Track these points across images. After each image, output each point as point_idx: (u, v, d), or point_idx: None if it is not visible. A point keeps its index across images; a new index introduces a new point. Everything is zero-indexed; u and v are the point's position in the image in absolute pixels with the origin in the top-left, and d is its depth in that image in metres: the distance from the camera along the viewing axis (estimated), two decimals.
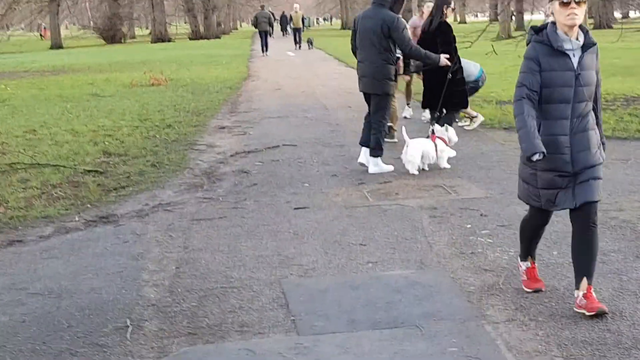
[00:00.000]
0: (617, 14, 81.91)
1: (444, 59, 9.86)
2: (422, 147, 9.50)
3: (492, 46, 14.88)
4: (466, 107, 11.51)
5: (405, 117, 14.17)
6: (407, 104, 14.62)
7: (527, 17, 58.27)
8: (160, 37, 64.06)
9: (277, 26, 62.75)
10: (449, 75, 10.18)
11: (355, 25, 10.03)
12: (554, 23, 4.93)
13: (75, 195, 8.96)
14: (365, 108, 10.09)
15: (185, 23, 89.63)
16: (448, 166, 9.68)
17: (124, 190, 9.19)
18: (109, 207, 8.39)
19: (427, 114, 14.29)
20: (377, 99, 9.76)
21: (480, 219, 7.32)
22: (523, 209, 7.48)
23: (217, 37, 69.03)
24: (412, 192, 8.58)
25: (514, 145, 11.00)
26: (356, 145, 11.40)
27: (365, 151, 9.87)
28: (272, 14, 45.94)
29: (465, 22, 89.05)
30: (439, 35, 10.46)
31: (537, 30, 5.01)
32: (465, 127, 12.78)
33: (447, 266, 6.06)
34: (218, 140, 12.59)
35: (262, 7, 45.11)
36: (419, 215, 7.56)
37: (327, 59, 33.89)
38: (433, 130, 9.87)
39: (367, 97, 9.97)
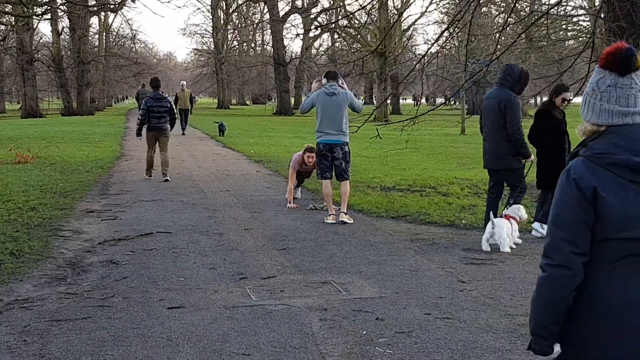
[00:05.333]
0: None
1: (531, 157, 10.33)
2: (507, 226, 9.65)
3: (377, 130, 14.43)
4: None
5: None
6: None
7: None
8: (31, 113, 62.15)
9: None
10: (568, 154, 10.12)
11: (481, 105, 10.76)
12: None
13: None
14: None
15: (57, 98, 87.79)
16: (509, 250, 9.60)
17: None
18: None
19: (298, 193, 13.87)
20: (503, 174, 10.41)
21: (376, 323, 6.60)
22: (422, 313, 6.91)
23: (91, 113, 67.54)
24: (299, 289, 7.82)
25: (403, 237, 10.51)
26: (235, 233, 10.74)
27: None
28: None
29: None
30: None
31: None
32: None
33: None
34: (86, 226, 11.57)
35: (143, 85, 50.19)
36: (308, 317, 6.80)
37: (204, 138, 33.06)
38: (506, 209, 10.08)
39: (491, 173, 10.65)
